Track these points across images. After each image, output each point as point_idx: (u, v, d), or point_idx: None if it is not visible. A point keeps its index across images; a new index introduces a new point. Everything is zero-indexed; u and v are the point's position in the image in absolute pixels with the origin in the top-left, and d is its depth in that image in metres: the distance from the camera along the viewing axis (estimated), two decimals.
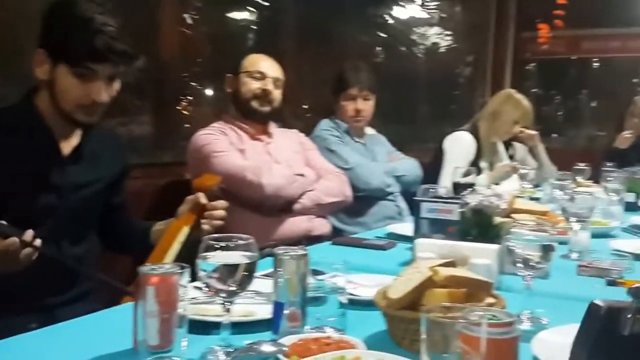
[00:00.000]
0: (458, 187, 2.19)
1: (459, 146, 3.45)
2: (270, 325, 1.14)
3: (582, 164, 3.21)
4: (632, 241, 2.01)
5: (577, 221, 1.81)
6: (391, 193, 3.03)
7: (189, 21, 3.24)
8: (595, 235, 1.98)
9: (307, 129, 3.04)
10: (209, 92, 3.46)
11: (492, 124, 3.55)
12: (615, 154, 3.93)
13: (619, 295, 1.41)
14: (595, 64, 6.72)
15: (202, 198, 1.73)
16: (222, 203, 1.77)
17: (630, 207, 2.66)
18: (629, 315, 0.64)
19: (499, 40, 5.99)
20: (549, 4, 6.07)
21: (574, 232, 1.82)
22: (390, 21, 4.94)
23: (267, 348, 1.00)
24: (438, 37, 5.53)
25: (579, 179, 3.11)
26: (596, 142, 5.96)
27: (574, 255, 1.78)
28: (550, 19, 6.07)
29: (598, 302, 0.64)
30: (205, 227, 1.72)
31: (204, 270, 1.05)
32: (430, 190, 1.93)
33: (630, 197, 2.73)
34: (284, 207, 2.48)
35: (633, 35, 6.54)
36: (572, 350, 0.64)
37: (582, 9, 6.06)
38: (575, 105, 6.53)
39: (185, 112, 3.31)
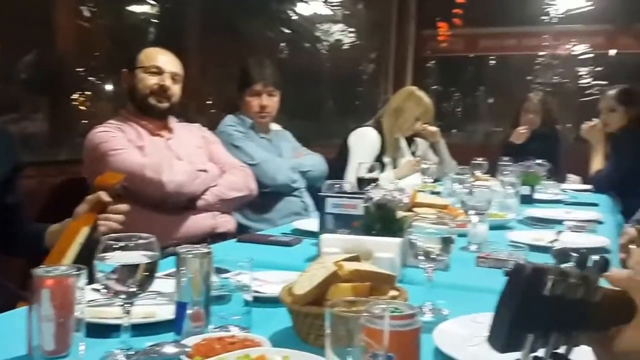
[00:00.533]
0: (362, 183, 2.22)
1: (363, 142, 3.51)
2: (172, 326, 1.11)
3: (480, 159, 3.33)
4: (528, 232, 2.11)
5: (476, 214, 1.88)
6: (297, 189, 3.04)
7: (87, 14, 3.10)
8: (492, 228, 2.06)
9: (212, 125, 2.99)
10: (107, 87, 3.33)
11: (395, 120, 3.64)
12: (511, 149, 4.11)
13: None
14: (492, 61, 7.03)
15: (105, 196, 1.66)
16: (123, 206, 1.71)
17: (525, 200, 2.79)
18: (551, 277, 0.66)
19: (401, 38, 6.14)
20: (448, 3, 6.28)
21: (473, 224, 1.88)
22: (294, 17, 4.95)
23: (169, 349, 0.97)
24: (341, 34, 5.59)
25: (477, 173, 3.23)
26: (493, 138, 6.23)
27: (473, 247, 1.84)
28: (449, 18, 6.28)
29: (523, 262, 0.66)
30: (103, 229, 1.65)
31: (102, 272, 1.00)
32: (335, 185, 1.95)
33: (526, 190, 2.86)
34: (187, 204, 2.42)
35: (527, 33, 6.89)
36: (495, 311, 0.66)
37: (479, 8, 6.31)
38: (474, 101, 6.81)
39: (82, 107, 3.18)
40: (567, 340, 0.68)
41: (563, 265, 0.68)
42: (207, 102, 3.91)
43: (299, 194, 3.05)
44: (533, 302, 0.65)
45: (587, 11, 6.82)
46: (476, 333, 1.10)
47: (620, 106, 3.66)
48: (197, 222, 2.43)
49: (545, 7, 6.84)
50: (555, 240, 1.90)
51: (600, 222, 2.41)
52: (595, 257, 0.69)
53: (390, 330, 0.76)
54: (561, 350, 0.68)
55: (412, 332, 0.83)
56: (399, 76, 6.07)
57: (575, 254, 0.69)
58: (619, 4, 6.68)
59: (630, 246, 1.75)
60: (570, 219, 2.28)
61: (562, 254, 0.68)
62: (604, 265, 0.70)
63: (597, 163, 3.80)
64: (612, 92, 3.78)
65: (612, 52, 7.16)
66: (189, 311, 1.08)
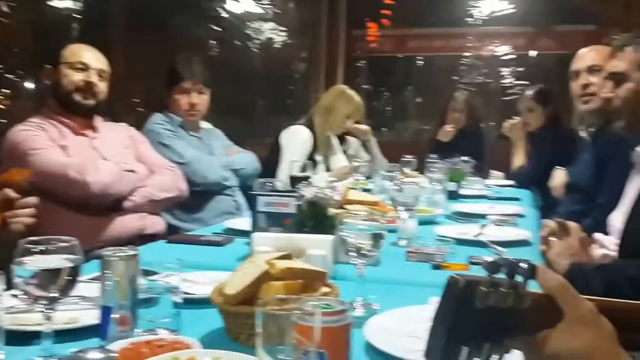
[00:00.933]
0: (295, 181, 2.22)
1: (295, 140, 3.51)
2: (97, 331, 1.07)
3: (409, 156, 3.39)
4: (454, 227, 2.16)
5: (405, 210, 1.91)
6: (229, 187, 3.00)
7: (5, 9, 2.97)
8: (421, 223, 2.09)
9: (139, 124, 2.91)
10: (28, 84, 3.20)
11: (326, 118, 3.65)
12: (438, 146, 4.21)
13: (444, 279, 1.52)
14: (419, 61, 7.18)
15: (11, 193, 1.59)
16: (32, 199, 1.64)
17: (452, 196, 2.86)
18: (484, 289, 0.67)
19: (331, 37, 6.19)
20: (377, 4, 6.36)
21: (402, 220, 1.91)
22: (225, 15, 4.90)
23: (94, 355, 0.94)
24: (272, 33, 5.58)
25: (406, 170, 3.29)
26: (421, 135, 6.37)
27: (403, 242, 1.86)
28: (378, 18, 6.37)
29: (456, 276, 0.67)
30: (15, 226, 1.58)
31: (21, 277, 0.96)
32: (267, 184, 1.93)
33: (452, 186, 2.94)
34: (114, 205, 2.35)
35: (453, 34, 7.07)
36: (431, 326, 0.66)
37: (407, 9, 6.43)
38: (403, 100, 6.93)
39: (0, 106, 3.04)
40: (499, 349, 0.70)
41: (494, 276, 0.69)
42: (135, 100, 3.82)
43: (231, 193, 3.02)
44: (467, 315, 0.66)
45: (510, 13, 7.06)
46: (406, 326, 1.12)
47: (538, 106, 3.82)
48: (124, 224, 2.36)
49: (470, 9, 7.04)
50: (480, 233, 1.96)
51: (522, 216, 2.50)
52: (524, 265, 0.71)
53: (321, 326, 0.76)
54: (494, 358, 0.69)
55: (343, 328, 0.84)
56: (330, 75, 6.11)
57: (505, 264, 0.71)
58: (539, 7, 6.94)
59: (550, 238, 1.82)
60: (494, 214, 2.35)
61: (493, 265, 0.69)
62: (532, 271, 0.71)
63: (519, 160, 3.94)
64: (529, 92, 3.93)
65: (533, 53, 7.45)
66: (114, 315, 1.05)
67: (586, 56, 2.68)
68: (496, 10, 7.07)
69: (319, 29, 6.14)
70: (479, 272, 0.71)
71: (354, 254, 1.28)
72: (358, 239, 1.28)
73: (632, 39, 1.76)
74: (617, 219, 1.87)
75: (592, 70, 2.60)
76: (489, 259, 0.69)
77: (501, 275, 0.70)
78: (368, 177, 3.36)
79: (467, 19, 7.09)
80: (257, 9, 5.36)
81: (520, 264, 0.71)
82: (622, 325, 0.75)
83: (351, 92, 3.75)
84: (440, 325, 0.65)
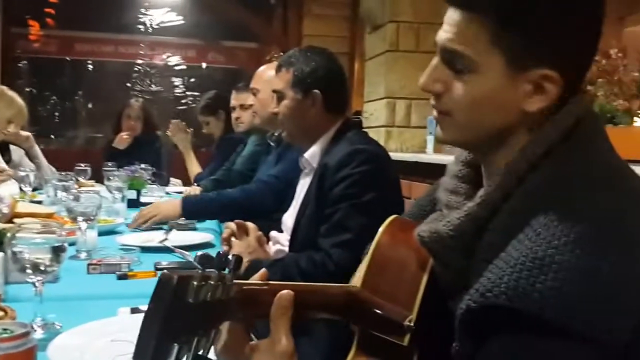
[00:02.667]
0: None
1: None
2: None
3: (83, 164, 3.22)
4: (138, 235, 2.11)
5: (84, 220, 1.80)
6: None
7: None
8: (102, 233, 2.01)
9: None
10: None
11: None
12: (115, 154, 4.07)
13: (132, 288, 1.47)
14: (90, 66, 6.86)
15: None
16: None
17: (132, 204, 2.79)
18: (195, 283, 0.66)
19: None
20: (39, 2, 5.91)
21: (82, 231, 1.80)
22: None
23: None
24: None
25: (81, 179, 3.11)
26: (96, 143, 6.09)
27: (83, 255, 1.76)
28: (41, 17, 5.91)
29: (168, 273, 0.64)
30: None
31: None
32: None
33: (132, 194, 2.86)
34: None
35: (124, 41, 6.92)
36: (142, 326, 0.62)
37: (73, 11, 6.09)
38: (72, 106, 6.54)
39: None
40: (207, 341, 0.70)
41: (205, 269, 0.70)
42: None
43: None
44: (179, 311, 0.64)
45: (179, 25, 7.21)
46: (93, 341, 1.07)
47: (212, 118, 3.98)
48: None
49: (141, 16, 6.99)
50: (165, 239, 1.95)
51: (203, 220, 2.57)
52: (231, 257, 0.74)
53: (3, 354, 0.67)
54: (202, 351, 0.69)
55: (27, 352, 0.75)
56: None
57: (215, 257, 0.72)
58: (208, 21, 7.24)
59: (232, 239, 1.90)
60: (174, 220, 2.36)
61: (204, 258, 0.70)
62: (238, 263, 0.75)
63: (194, 166, 4.04)
64: (206, 99, 4.05)
65: (203, 65, 7.72)
66: None
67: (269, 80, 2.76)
68: (166, 20, 7.15)
69: None
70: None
71: (31, 271, 1.16)
72: (35, 253, 1.16)
73: (287, 60, 1.95)
74: (290, 218, 2.04)
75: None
76: (199, 253, 0.70)
77: (211, 269, 0.71)
78: (35, 188, 3.08)
79: (139, 26, 7.02)
80: None
81: (228, 257, 0.73)
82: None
83: (12, 94, 3.38)
84: (150, 325, 0.62)
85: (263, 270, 0.88)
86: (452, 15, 0.82)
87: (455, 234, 0.83)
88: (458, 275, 0.84)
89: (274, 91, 1.97)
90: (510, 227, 0.76)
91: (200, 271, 0.68)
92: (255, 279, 0.84)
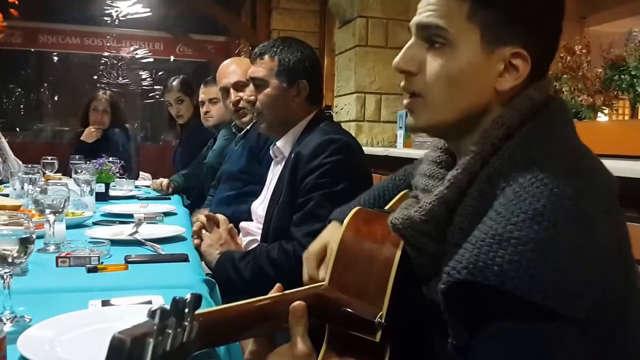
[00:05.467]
0: None
1: None
2: None
3: (50, 157, 3.17)
4: (106, 228, 2.09)
5: (52, 213, 1.77)
6: None
7: None
8: (70, 226, 1.98)
9: None
10: None
11: None
12: (83, 147, 4.01)
13: (103, 281, 1.46)
14: (55, 57, 6.73)
15: None
16: None
17: (100, 197, 2.75)
18: (151, 339, 0.61)
19: None
20: None
21: (50, 224, 1.77)
22: None
23: None
24: None
25: (48, 172, 3.06)
26: (63, 136, 5.99)
27: (52, 248, 1.73)
28: (4, 7, 5.78)
29: (119, 335, 0.58)
30: None
31: None
32: None
33: (101, 188, 2.82)
34: None
35: (89, 33, 6.81)
36: None
37: (38, 2, 5.98)
38: (38, 99, 6.41)
39: None
40: None
41: (162, 322, 0.64)
42: None
43: None
44: None
45: (147, 17, 7.12)
46: (63, 334, 1.07)
47: (186, 97, 3.84)
48: None
49: (108, 9, 6.88)
50: (136, 232, 1.93)
51: (174, 214, 2.55)
52: (187, 298, 0.68)
53: None
54: None
55: None
56: None
57: (171, 309, 0.65)
58: (176, 14, 7.16)
59: (202, 232, 1.90)
60: (145, 212, 2.34)
61: (162, 315, 0.64)
62: (196, 300, 0.69)
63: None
64: (175, 83, 3.84)
65: (171, 58, 7.65)
66: None
67: (230, 73, 2.75)
68: (132, 12, 7.05)
69: None
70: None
71: None
72: (1, 245, 1.15)
73: (269, 48, 1.92)
74: (261, 206, 2.04)
75: (238, 86, 2.69)
76: (154, 307, 0.63)
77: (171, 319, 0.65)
78: (1, 182, 3.03)
79: (105, 19, 6.91)
80: None
81: (185, 299, 0.67)
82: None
83: None
84: None
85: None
86: None
87: (427, 218, 0.85)
88: (432, 260, 0.85)
89: (252, 79, 1.94)
90: (476, 210, 0.79)
91: (155, 325, 0.62)
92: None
